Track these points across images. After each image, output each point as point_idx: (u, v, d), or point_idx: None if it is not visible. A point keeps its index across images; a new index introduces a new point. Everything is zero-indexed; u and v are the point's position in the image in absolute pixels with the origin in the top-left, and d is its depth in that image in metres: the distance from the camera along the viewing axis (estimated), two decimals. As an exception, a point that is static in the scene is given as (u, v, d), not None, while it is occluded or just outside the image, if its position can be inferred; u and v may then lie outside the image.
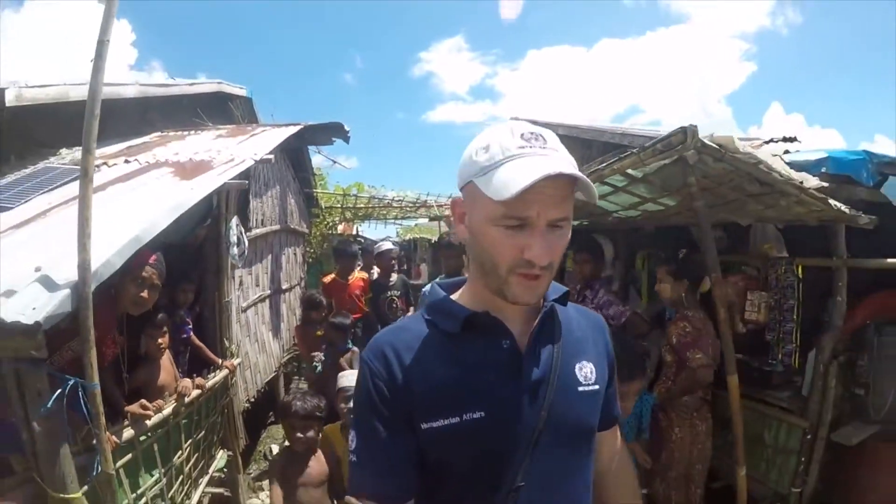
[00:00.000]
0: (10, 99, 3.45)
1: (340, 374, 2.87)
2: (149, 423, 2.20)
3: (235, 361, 3.25)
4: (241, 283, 3.90)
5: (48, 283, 1.56)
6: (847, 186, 2.66)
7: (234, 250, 3.18)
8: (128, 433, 2.07)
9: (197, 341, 3.05)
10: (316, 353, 3.88)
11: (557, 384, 0.87)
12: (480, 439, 0.83)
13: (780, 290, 3.00)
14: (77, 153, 3.91)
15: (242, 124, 6.45)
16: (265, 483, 3.97)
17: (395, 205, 9.78)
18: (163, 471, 2.35)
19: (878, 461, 2.68)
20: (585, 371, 0.92)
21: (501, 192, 0.75)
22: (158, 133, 5.10)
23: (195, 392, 2.59)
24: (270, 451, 4.73)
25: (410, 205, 9.73)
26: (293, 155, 6.15)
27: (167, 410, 2.34)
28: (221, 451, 3.28)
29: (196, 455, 2.78)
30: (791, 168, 2.47)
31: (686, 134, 1.64)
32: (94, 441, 1.77)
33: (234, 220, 3.20)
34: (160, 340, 2.47)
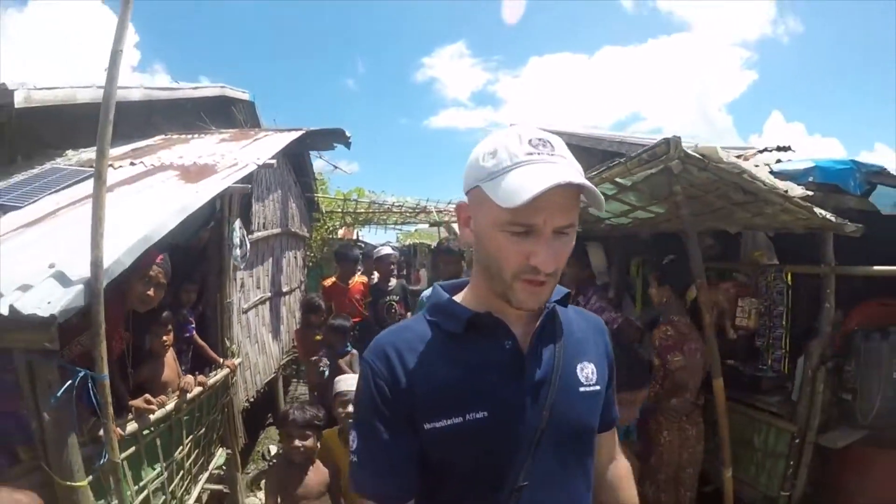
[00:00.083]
0: (19, 100, 3.52)
1: (337, 378, 2.87)
2: (152, 417, 2.26)
3: (236, 361, 3.31)
4: (242, 285, 3.96)
5: (62, 279, 1.64)
6: (836, 195, 2.71)
7: (237, 252, 3.25)
8: (131, 426, 2.13)
9: (199, 340, 3.11)
10: (317, 357, 3.90)
11: (559, 384, 0.88)
12: (483, 439, 0.83)
13: (770, 297, 3.06)
14: (83, 155, 3.99)
15: (245, 128, 6.54)
16: (263, 483, 4.01)
17: (395, 210, 9.84)
18: (164, 465, 2.41)
19: (865, 466, 2.73)
20: (587, 372, 0.93)
21: (509, 200, 0.75)
22: (162, 136, 5.19)
23: (197, 389, 2.65)
24: (269, 451, 4.78)
25: (410, 210, 9.80)
26: (295, 159, 6.22)
27: (170, 406, 2.40)
28: (221, 448, 3.33)
29: (196, 451, 2.84)
30: (780, 177, 2.54)
31: (669, 145, 1.71)
32: (101, 431, 1.83)
33: (237, 223, 3.28)
34: (165, 338, 2.54)
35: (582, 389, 0.91)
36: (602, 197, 0.81)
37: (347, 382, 2.64)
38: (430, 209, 9.57)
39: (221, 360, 3.14)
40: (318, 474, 2.35)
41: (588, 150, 5.51)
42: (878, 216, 2.73)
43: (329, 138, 6.16)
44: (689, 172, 1.88)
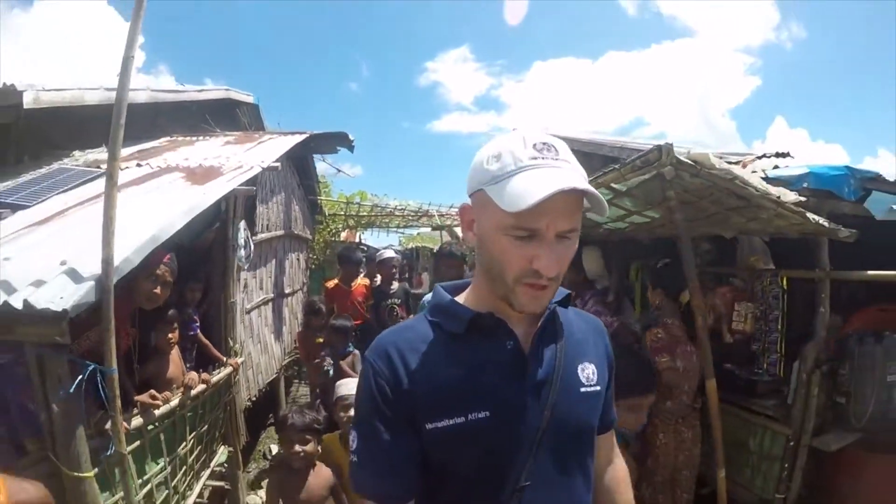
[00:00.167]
0: (27, 101, 3.58)
1: (339, 382, 2.88)
2: (157, 412, 2.31)
3: (239, 360, 3.36)
4: (245, 286, 4.01)
5: (74, 276, 1.70)
6: (831, 201, 2.75)
7: (241, 253, 3.30)
8: (137, 421, 2.18)
9: (203, 339, 3.15)
10: (319, 359, 3.93)
11: (560, 385, 0.88)
12: (485, 439, 0.83)
13: (766, 301, 3.10)
14: (90, 155, 4.06)
15: (249, 131, 6.62)
16: (264, 482, 4.05)
17: (397, 213, 9.90)
18: (168, 459, 2.45)
19: (859, 469, 2.75)
20: (587, 372, 0.94)
21: (513, 204, 0.75)
22: (168, 138, 5.26)
23: (201, 386, 2.69)
24: (269, 450, 4.82)
25: (412, 214, 9.85)
26: (298, 162, 6.28)
27: (174, 402, 2.44)
28: (223, 446, 3.37)
29: (199, 448, 2.88)
30: (775, 183, 2.58)
31: (661, 151, 1.76)
32: (107, 425, 1.88)
33: (242, 224, 3.33)
34: (170, 335, 2.59)
35: (583, 390, 0.92)
36: (605, 202, 0.82)
37: (349, 387, 2.63)
38: (433, 213, 9.62)
39: (224, 359, 3.19)
40: (319, 478, 2.32)
41: (589, 156, 5.56)
42: (875, 222, 2.76)
43: (332, 142, 6.21)
44: (681, 178, 1.93)
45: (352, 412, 0.96)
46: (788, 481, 2.82)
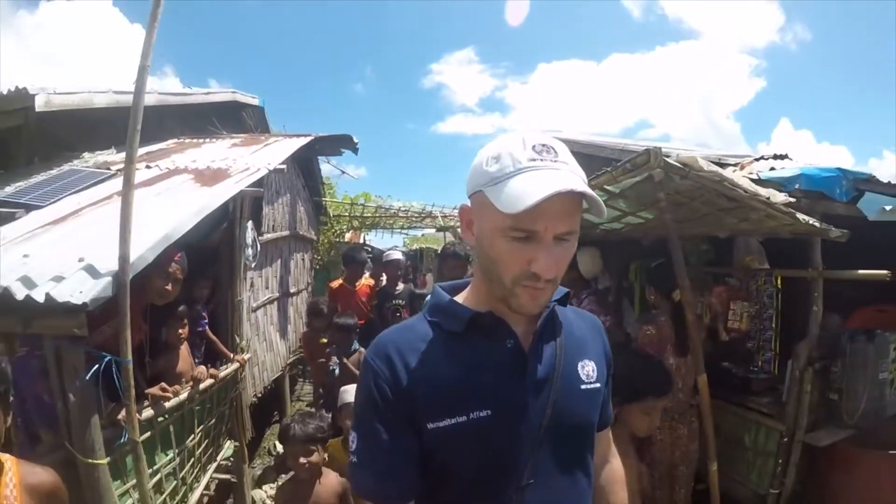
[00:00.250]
0: (39, 104, 3.67)
1: (343, 388, 2.88)
2: (167, 405, 2.39)
3: (245, 356, 3.44)
4: (252, 285, 4.10)
5: (92, 271, 1.80)
6: (824, 202, 2.81)
7: (248, 252, 3.39)
8: (147, 413, 2.26)
9: (211, 335, 3.24)
10: (324, 359, 3.96)
11: (561, 382, 0.88)
12: (487, 438, 0.84)
13: (760, 301, 3.16)
14: (99, 157, 4.16)
15: (255, 133, 6.70)
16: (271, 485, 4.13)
17: (401, 215, 9.98)
18: (176, 451, 2.54)
19: (851, 465, 2.80)
20: (587, 369, 0.94)
21: (511, 206, 0.75)
22: (175, 140, 5.35)
23: (209, 381, 2.78)
24: (274, 447, 4.90)
25: (416, 215, 9.93)
26: (303, 164, 6.36)
27: (183, 395, 2.53)
28: (229, 441, 3.45)
29: (206, 441, 2.96)
30: (767, 185, 2.64)
31: (650, 155, 1.83)
32: (121, 414, 1.97)
33: (249, 224, 3.42)
34: (180, 331, 2.68)
35: (583, 387, 0.92)
36: (603, 204, 0.82)
37: (352, 394, 2.63)
38: (436, 214, 9.69)
39: (231, 355, 3.26)
40: (327, 487, 2.25)
41: (590, 157, 5.60)
42: (868, 223, 2.81)
43: (337, 144, 6.30)
44: (671, 180, 1.99)
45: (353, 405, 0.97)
46: (783, 476, 2.87)
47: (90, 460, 1.85)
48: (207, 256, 3.38)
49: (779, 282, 3.09)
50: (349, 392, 2.72)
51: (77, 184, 3.39)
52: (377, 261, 5.68)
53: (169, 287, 2.35)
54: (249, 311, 3.98)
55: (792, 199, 2.37)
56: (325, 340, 4.16)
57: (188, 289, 2.99)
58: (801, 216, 2.31)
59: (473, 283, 0.96)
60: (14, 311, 1.68)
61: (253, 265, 3.73)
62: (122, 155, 4.14)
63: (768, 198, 2.15)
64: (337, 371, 3.76)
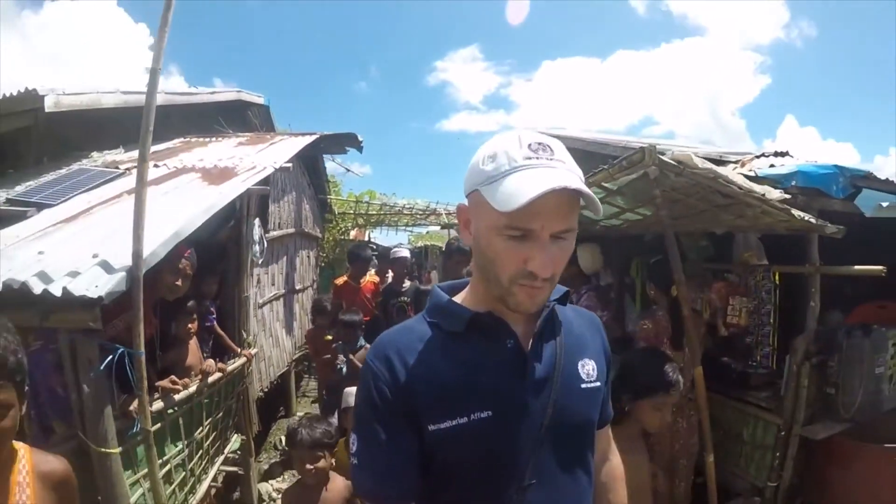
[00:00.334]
0: (49, 105, 3.75)
1: (346, 390, 2.89)
2: (176, 397, 2.47)
3: (252, 351, 3.51)
4: (258, 281, 4.17)
5: (106, 267, 1.88)
6: (821, 198, 2.84)
7: (255, 248, 3.46)
8: (158, 405, 2.34)
9: (219, 330, 3.31)
10: (328, 356, 3.99)
11: (561, 382, 0.88)
12: (488, 439, 0.83)
13: (759, 296, 3.19)
14: (107, 156, 4.24)
15: (261, 132, 6.77)
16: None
17: (405, 212, 10.03)
18: (185, 443, 2.61)
19: (848, 459, 2.83)
20: (588, 368, 0.94)
21: (506, 204, 0.75)
22: (182, 139, 5.42)
23: (217, 375, 2.85)
24: (280, 441, 4.97)
25: (421, 212, 9.98)
26: (308, 162, 6.43)
27: (192, 388, 2.60)
28: (236, 434, 3.52)
29: (214, 434, 3.03)
30: (764, 181, 2.68)
31: (644, 153, 1.88)
32: (133, 405, 2.04)
33: (256, 221, 3.49)
34: (190, 325, 2.75)
35: (584, 386, 0.92)
36: (598, 202, 0.82)
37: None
38: (441, 212, 9.73)
39: (239, 350, 3.34)
40: (334, 492, 2.22)
41: (592, 155, 5.62)
42: (867, 219, 2.84)
43: (342, 142, 6.35)
44: (666, 177, 2.04)
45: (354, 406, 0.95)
46: (780, 470, 2.90)
47: (103, 449, 1.92)
48: (215, 253, 3.45)
49: (777, 278, 3.12)
50: (352, 395, 2.63)
51: (86, 183, 3.47)
52: (383, 258, 5.71)
53: (179, 283, 2.43)
54: (256, 307, 4.05)
55: (787, 196, 2.41)
56: (329, 337, 4.20)
57: (197, 285, 3.06)
58: (796, 212, 2.34)
59: (472, 283, 0.96)
60: (32, 305, 1.76)
61: (259, 262, 3.79)
62: (130, 154, 4.25)
63: (763, 194, 2.18)
64: (345, 370, 3.76)
